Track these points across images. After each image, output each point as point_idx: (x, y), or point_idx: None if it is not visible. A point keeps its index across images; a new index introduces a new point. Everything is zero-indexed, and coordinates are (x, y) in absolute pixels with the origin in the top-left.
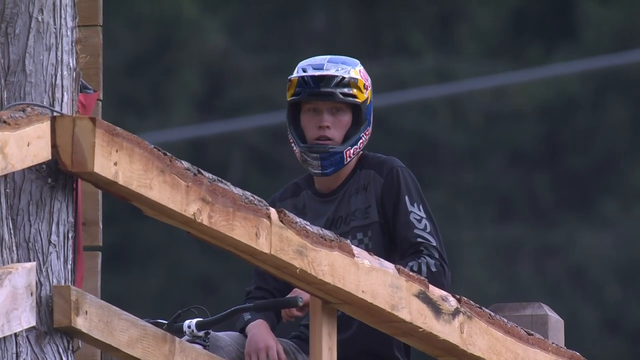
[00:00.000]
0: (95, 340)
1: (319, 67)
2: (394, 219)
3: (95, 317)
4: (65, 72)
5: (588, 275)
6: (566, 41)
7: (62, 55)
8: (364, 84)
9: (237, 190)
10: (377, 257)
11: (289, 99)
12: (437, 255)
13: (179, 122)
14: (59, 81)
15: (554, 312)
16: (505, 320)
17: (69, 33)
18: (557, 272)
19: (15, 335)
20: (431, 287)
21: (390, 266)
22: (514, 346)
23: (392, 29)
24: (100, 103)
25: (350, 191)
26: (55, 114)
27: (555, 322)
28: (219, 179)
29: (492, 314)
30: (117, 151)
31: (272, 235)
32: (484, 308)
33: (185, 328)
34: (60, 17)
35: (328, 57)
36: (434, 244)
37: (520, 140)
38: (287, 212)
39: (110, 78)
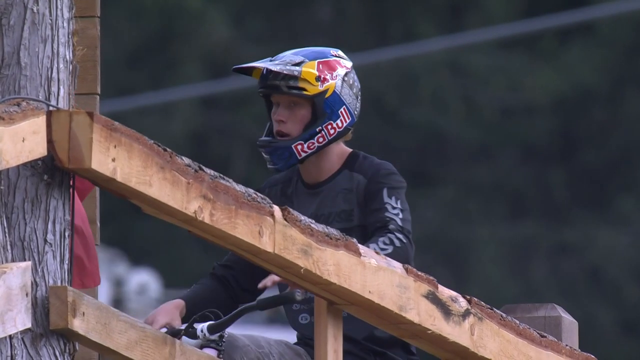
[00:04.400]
0: (92, 342)
1: (278, 59)
2: (368, 209)
3: (93, 319)
4: (61, 65)
5: (605, 275)
6: (582, 32)
7: (58, 47)
8: (318, 77)
9: (240, 188)
10: (384, 256)
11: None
12: (403, 231)
13: (181, 115)
14: (55, 74)
15: (567, 313)
16: (518, 322)
17: (65, 24)
18: (573, 271)
19: (10, 337)
20: (440, 287)
21: (398, 266)
22: (526, 349)
23: (400, 18)
24: (97, 97)
25: (337, 189)
26: (51, 108)
27: (569, 323)
28: (221, 175)
29: (504, 315)
30: (115, 147)
31: (275, 233)
32: (495, 309)
33: (198, 333)
34: (57, 7)
35: (300, 49)
36: (401, 225)
37: (534, 135)
38: (291, 210)
39: (110, 70)
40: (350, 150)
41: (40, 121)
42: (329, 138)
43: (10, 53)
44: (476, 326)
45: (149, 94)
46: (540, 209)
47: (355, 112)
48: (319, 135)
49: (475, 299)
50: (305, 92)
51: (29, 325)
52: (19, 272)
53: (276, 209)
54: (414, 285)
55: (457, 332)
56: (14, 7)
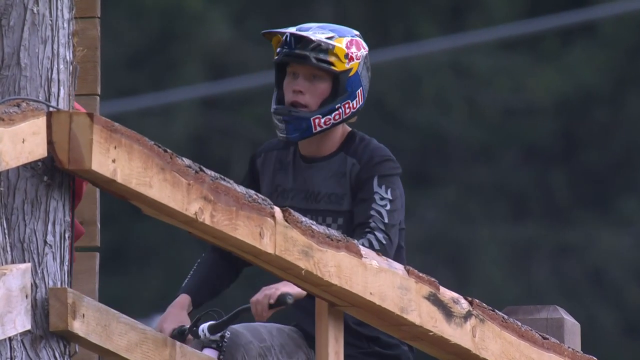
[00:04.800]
0: (92, 344)
1: (304, 29)
2: (358, 197)
3: (93, 321)
4: (61, 66)
5: (607, 276)
6: (584, 32)
7: (58, 48)
8: (347, 54)
9: (241, 189)
10: (385, 257)
11: (273, 59)
12: (385, 229)
13: (181, 116)
14: (55, 75)
15: (570, 315)
16: (520, 324)
17: (65, 25)
18: (575, 273)
19: (10, 339)
20: (442, 288)
21: (399, 267)
22: (529, 350)
23: (401, 19)
24: (97, 98)
25: (331, 170)
26: (51, 109)
27: (572, 325)
28: (222, 176)
29: (506, 317)
30: (115, 148)
31: (276, 235)
32: (497, 311)
33: (200, 333)
34: (57, 8)
35: (326, 24)
36: (386, 220)
37: (535, 136)
38: (292, 211)
39: (110, 72)
40: (350, 130)
41: (40, 122)
42: (344, 117)
43: (10, 54)
44: (478, 328)
45: (150, 96)
46: (542, 210)
47: (366, 95)
48: (336, 112)
49: (477, 301)
50: (333, 67)
51: (28, 327)
52: (18, 274)
53: (277, 210)
54: (416, 286)
55: (458, 334)
56: (14, 7)
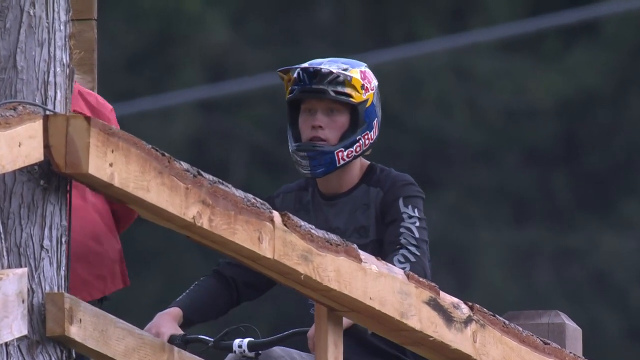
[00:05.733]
0: (90, 349)
1: (316, 64)
2: (385, 221)
3: (90, 326)
4: (58, 69)
5: (610, 280)
6: (586, 33)
7: (55, 50)
8: (363, 85)
9: (239, 193)
10: (385, 262)
11: (286, 97)
12: (417, 243)
13: (180, 119)
14: (51, 78)
15: (571, 320)
16: (521, 329)
17: (62, 27)
18: (577, 277)
19: (6, 344)
20: (442, 293)
21: (399, 272)
22: (530, 356)
23: (401, 21)
24: None
25: (355, 204)
26: (47, 112)
27: (573, 330)
28: (220, 180)
29: (507, 322)
30: (112, 151)
31: (275, 239)
32: (497, 316)
33: (235, 347)
34: (53, 10)
35: (334, 58)
36: (416, 235)
37: (537, 138)
38: (291, 215)
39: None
40: (369, 162)
41: (36, 125)
42: (364, 148)
43: (6, 56)
44: (478, 333)
45: (148, 99)
46: (544, 212)
47: (379, 127)
48: (357, 144)
49: (478, 306)
50: (351, 99)
51: (25, 332)
52: (15, 279)
53: (276, 214)
54: (416, 291)
55: (459, 339)
56: (10, 9)
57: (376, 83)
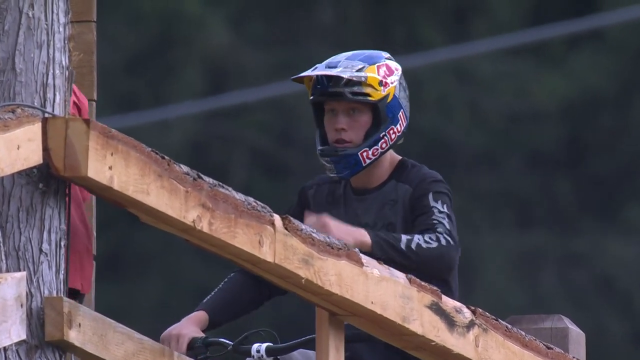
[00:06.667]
0: (89, 354)
1: (333, 65)
2: (414, 215)
3: (89, 330)
4: (57, 71)
5: (615, 285)
6: (590, 37)
7: (54, 52)
8: (381, 81)
9: (239, 196)
10: (387, 266)
11: (309, 98)
12: (450, 235)
13: (180, 121)
14: (50, 80)
15: (574, 324)
16: (523, 333)
17: (61, 29)
18: (582, 281)
19: (5, 349)
20: (444, 297)
21: (401, 276)
22: None
23: (403, 23)
24: (94, 104)
25: (383, 200)
26: (46, 115)
27: (577, 335)
28: (220, 183)
29: (509, 326)
30: (112, 154)
31: (276, 243)
32: (500, 320)
33: (253, 352)
34: (52, 12)
35: (351, 53)
36: (447, 227)
37: (541, 142)
38: (291, 218)
39: (108, 77)
40: (400, 157)
41: (35, 128)
42: (391, 143)
43: (5, 59)
44: (481, 337)
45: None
46: (548, 217)
47: (408, 115)
48: (382, 141)
49: (480, 310)
50: (370, 98)
51: (23, 336)
52: (13, 283)
53: (276, 217)
54: (418, 295)
55: (461, 344)
56: (8, 11)
57: (398, 74)
